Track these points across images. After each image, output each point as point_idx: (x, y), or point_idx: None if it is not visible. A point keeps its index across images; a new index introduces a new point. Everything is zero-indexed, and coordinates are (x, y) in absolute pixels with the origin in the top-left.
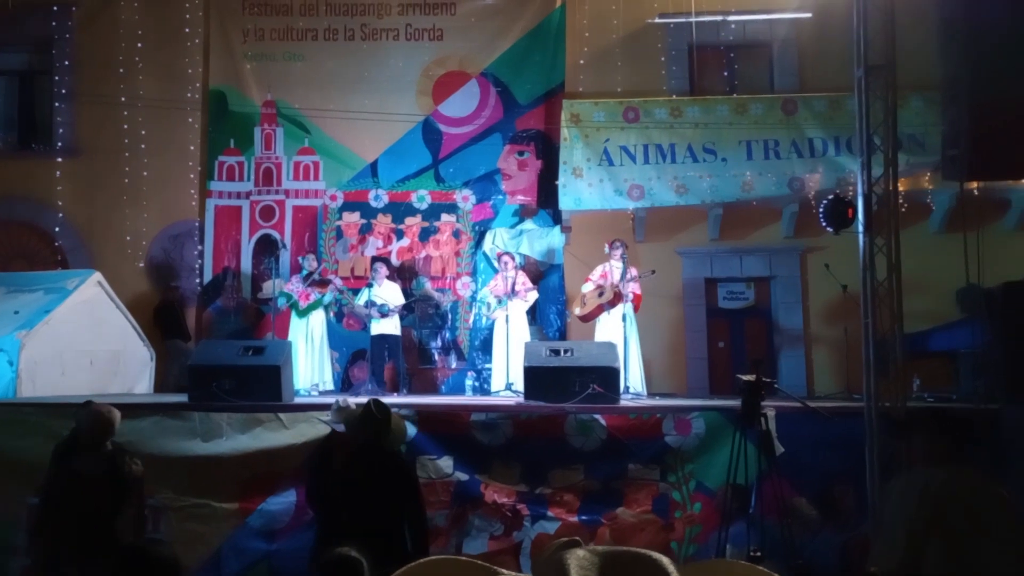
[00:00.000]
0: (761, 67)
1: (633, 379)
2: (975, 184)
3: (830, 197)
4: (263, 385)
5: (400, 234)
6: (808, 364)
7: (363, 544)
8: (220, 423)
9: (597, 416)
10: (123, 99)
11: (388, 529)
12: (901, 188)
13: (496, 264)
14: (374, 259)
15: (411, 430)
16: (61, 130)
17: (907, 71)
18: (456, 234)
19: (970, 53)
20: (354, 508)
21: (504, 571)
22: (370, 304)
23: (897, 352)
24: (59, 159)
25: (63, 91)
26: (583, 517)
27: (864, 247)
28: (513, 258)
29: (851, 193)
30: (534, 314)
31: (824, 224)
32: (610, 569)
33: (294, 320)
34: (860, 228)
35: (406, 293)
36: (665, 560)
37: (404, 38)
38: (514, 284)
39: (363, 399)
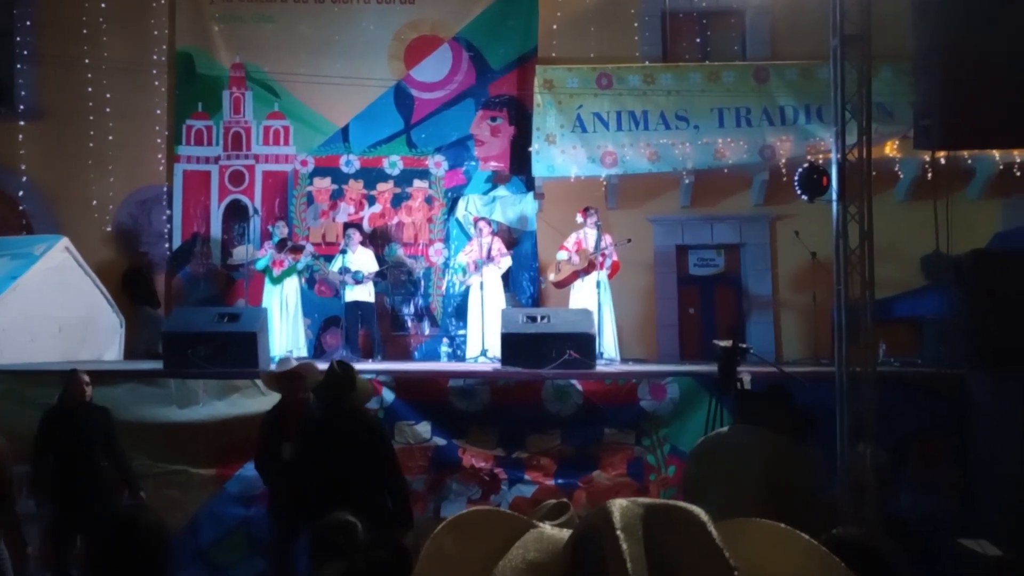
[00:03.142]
0: (734, 35)
1: (607, 345)
2: (943, 153)
3: (805, 165)
4: (239, 352)
5: (372, 200)
6: (776, 330)
7: (339, 506)
8: (196, 390)
9: (574, 382)
10: (87, 61)
11: (364, 489)
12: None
13: (471, 230)
14: (347, 225)
15: (389, 396)
16: (24, 92)
17: (878, 41)
18: (428, 200)
19: (943, 23)
20: (328, 470)
21: (544, 524)
22: (344, 271)
23: (867, 318)
24: (22, 122)
25: (25, 52)
26: (559, 481)
27: (838, 215)
28: (489, 224)
29: (820, 160)
30: (507, 281)
31: (799, 192)
32: (652, 518)
33: (267, 287)
34: (834, 196)
35: (379, 260)
36: (701, 512)
37: (376, 1)
38: (490, 250)
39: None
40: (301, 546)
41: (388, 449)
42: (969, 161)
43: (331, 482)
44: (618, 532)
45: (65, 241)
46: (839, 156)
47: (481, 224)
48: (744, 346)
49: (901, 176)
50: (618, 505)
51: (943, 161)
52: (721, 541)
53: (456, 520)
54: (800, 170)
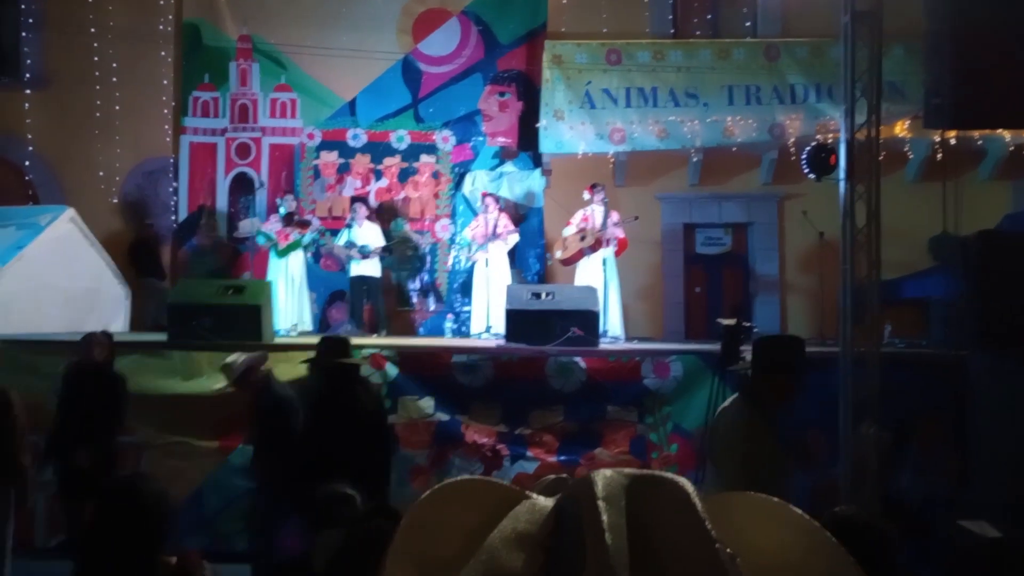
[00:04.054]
0: (744, 11)
1: (612, 323)
2: (953, 133)
3: (813, 144)
4: (243, 324)
5: (379, 175)
6: (783, 310)
7: (335, 476)
8: (200, 362)
9: (577, 359)
10: (93, 29)
11: (359, 460)
12: (881, 136)
13: (479, 204)
14: (353, 199)
15: (393, 370)
16: (29, 60)
17: (890, 19)
18: (435, 175)
19: (954, 1)
20: (328, 440)
21: (535, 495)
22: (350, 245)
23: (874, 299)
24: (27, 90)
25: (30, 19)
26: (562, 457)
27: (845, 194)
28: (497, 200)
29: (830, 139)
30: (513, 257)
31: (806, 171)
32: (635, 489)
33: (273, 260)
34: (842, 175)
35: (385, 235)
36: (687, 483)
37: None
38: (496, 226)
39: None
40: (287, 517)
41: (385, 421)
42: (980, 142)
43: (330, 452)
44: (599, 502)
45: (71, 212)
46: (848, 135)
47: (488, 200)
48: (748, 325)
49: (911, 156)
50: (601, 475)
51: (953, 142)
52: (705, 513)
53: (440, 489)
54: (808, 148)
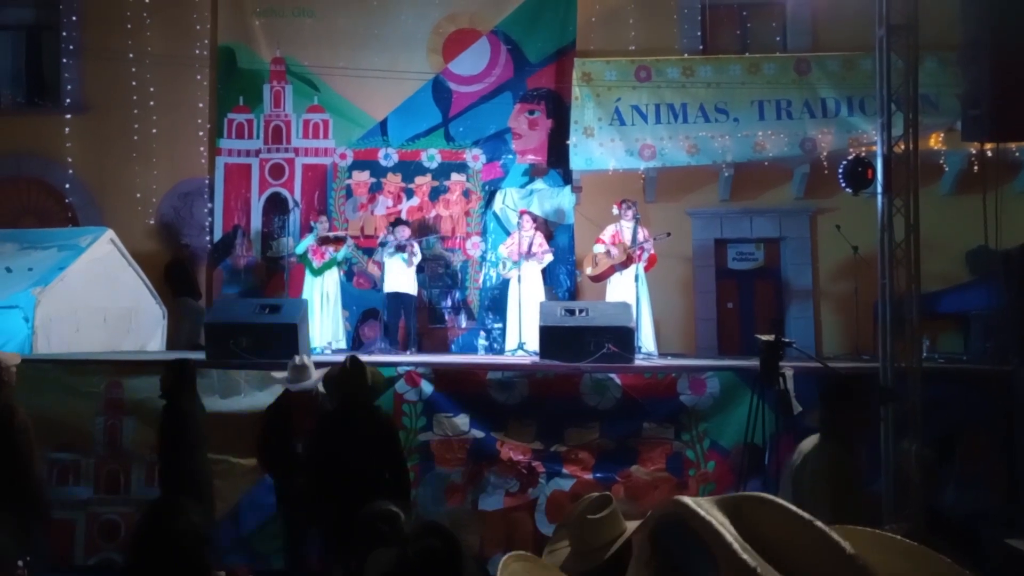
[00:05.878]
0: (774, 26)
1: (645, 339)
2: (990, 145)
3: (849, 158)
4: (280, 343)
5: (410, 193)
6: (816, 325)
7: (350, 497)
8: (238, 380)
9: (612, 375)
10: (131, 55)
11: (372, 480)
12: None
13: (516, 220)
14: (395, 221)
15: (428, 388)
16: (69, 86)
17: (922, 31)
18: (466, 193)
19: (992, 12)
20: (340, 463)
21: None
22: (401, 247)
23: (914, 313)
24: (67, 116)
25: (71, 47)
26: (598, 475)
27: (883, 208)
28: (534, 219)
29: (863, 152)
30: (544, 275)
31: (843, 185)
32: (729, 509)
33: (308, 279)
34: (879, 189)
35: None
36: (776, 497)
37: None
38: (531, 245)
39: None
40: (313, 537)
41: (396, 445)
42: (1016, 153)
43: (340, 475)
44: (708, 519)
45: (110, 233)
46: (884, 148)
47: (525, 218)
48: (787, 340)
49: (946, 169)
50: (688, 499)
51: (990, 153)
52: (826, 527)
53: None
54: (844, 162)
